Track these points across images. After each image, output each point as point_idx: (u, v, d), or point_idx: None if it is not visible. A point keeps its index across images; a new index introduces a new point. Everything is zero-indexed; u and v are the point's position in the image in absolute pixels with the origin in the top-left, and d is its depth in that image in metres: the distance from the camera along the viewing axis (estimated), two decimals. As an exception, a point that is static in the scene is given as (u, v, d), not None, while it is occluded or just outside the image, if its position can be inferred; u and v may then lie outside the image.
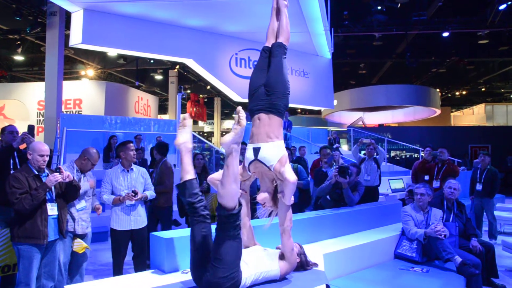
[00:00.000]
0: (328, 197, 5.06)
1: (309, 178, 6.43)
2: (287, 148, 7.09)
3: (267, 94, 2.89)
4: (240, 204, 2.46)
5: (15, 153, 4.36)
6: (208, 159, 12.06)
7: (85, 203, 4.22)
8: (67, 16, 11.59)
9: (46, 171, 3.72)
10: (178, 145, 2.71)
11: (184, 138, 2.72)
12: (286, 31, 3.22)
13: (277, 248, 3.06)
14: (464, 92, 28.96)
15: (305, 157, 9.27)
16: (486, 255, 4.69)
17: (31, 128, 10.54)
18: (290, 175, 2.67)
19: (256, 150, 2.76)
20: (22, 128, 5.29)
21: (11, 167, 4.27)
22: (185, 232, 3.32)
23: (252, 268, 2.61)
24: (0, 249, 3.82)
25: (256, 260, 2.70)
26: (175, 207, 7.25)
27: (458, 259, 4.04)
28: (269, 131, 2.79)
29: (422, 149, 11.23)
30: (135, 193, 4.37)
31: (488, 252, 4.76)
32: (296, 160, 8.26)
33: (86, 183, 4.23)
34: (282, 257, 2.87)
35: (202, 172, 6.53)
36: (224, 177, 2.39)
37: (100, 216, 4.55)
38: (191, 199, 2.54)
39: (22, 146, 4.39)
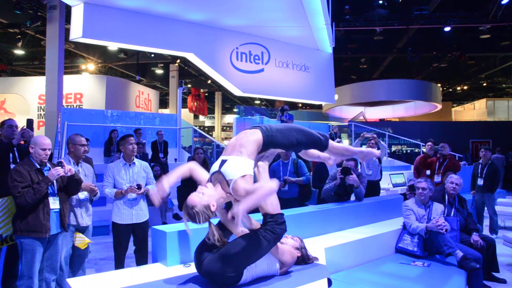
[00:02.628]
0: (332, 192, 5.08)
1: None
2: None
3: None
4: (282, 213, 2.63)
5: (15, 148, 4.37)
6: (209, 153, 12.07)
7: (86, 194, 4.21)
8: (67, 10, 11.57)
9: (48, 165, 3.72)
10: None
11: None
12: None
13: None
14: (465, 87, 28.92)
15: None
16: (487, 249, 4.70)
17: (30, 122, 10.50)
18: (242, 205, 2.31)
19: (223, 162, 2.55)
20: (22, 123, 5.29)
21: (11, 161, 4.28)
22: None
23: (254, 267, 2.62)
24: (2, 218, 3.77)
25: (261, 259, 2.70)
26: (176, 201, 7.30)
27: (459, 254, 4.04)
28: (244, 145, 2.58)
29: (423, 144, 11.23)
30: (139, 186, 4.37)
31: (489, 247, 4.77)
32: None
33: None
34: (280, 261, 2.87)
35: (203, 165, 6.55)
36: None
37: (102, 210, 4.54)
38: None
39: (22, 142, 4.40)
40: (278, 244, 2.80)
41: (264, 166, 2.81)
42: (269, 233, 2.51)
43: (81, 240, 4.05)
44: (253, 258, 2.51)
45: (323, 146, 2.92)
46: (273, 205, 2.59)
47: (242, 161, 2.51)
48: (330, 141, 2.96)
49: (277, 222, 2.55)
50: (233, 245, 2.50)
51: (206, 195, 2.40)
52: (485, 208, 7.60)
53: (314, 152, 3.19)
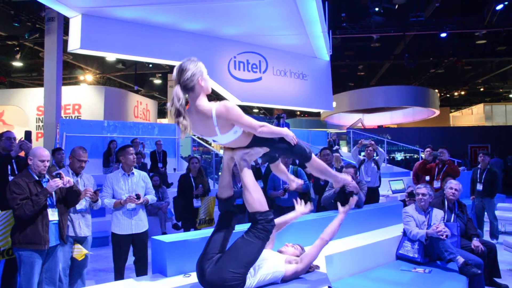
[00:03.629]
0: (332, 200, 5.07)
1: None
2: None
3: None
4: (270, 209, 2.63)
5: (13, 160, 4.37)
6: (208, 162, 12.06)
7: (85, 203, 4.20)
8: (65, 21, 11.60)
9: (47, 176, 3.71)
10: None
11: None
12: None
13: (279, 251, 3.07)
14: (462, 93, 29.01)
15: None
16: (488, 255, 4.68)
17: (28, 134, 10.52)
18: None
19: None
20: (21, 134, 5.29)
21: (9, 173, 4.27)
22: (186, 235, 3.31)
23: (256, 270, 2.62)
24: (1, 232, 3.74)
25: (263, 262, 2.70)
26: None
27: (460, 259, 4.03)
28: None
29: (422, 150, 11.24)
30: (138, 196, 4.36)
31: (490, 252, 4.75)
32: (299, 163, 8.21)
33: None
34: (289, 262, 2.87)
35: (198, 175, 6.53)
36: (244, 188, 2.63)
37: (101, 221, 4.51)
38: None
39: (21, 154, 4.40)
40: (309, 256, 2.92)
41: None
42: (262, 232, 2.53)
43: (79, 251, 4.03)
44: (252, 260, 2.52)
45: (307, 158, 2.92)
46: (261, 203, 2.59)
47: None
48: (314, 156, 2.98)
49: (267, 220, 2.56)
50: (231, 251, 2.50)
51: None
52: (485, 213, 7.58)
53: (284, 168, 3.28)
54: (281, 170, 3.25)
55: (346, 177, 3.30)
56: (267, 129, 2.60)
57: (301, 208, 3.36)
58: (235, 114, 2.49)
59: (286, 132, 2.70)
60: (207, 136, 2.65)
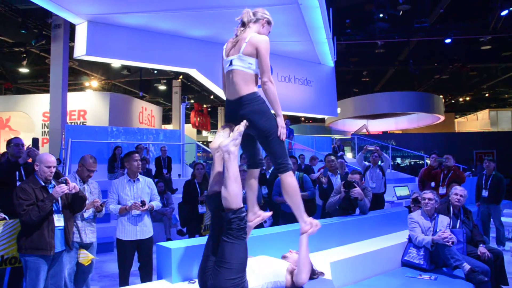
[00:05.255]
0: (336, 206, 5.06)
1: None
2: (291, 156, 7.10)
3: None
4: (244, 206, 2.53)
5: (21, 166, 4.41)
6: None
7: (92, 211, 4.23)
8: (71, 28, 11.73)
9: (53, 182, 3.73)
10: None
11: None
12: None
13: (283, 257, 3.06)
14: (467, 98, 28.96)
15: (314, 167, 9.21)
16: (494, 262, 4.63)
17: (35, 141, 10.60)
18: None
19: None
20: (27, 140, 5.33)
21: (17, 178, 4.30)
22: (191, 242, 3.31)
23: (260, 277, 2.61)
24: (5, 240, 3.74)
25: (264, 269, 2.69)
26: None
27: (467, 266, 4.00)
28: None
29: (427, 156, 11.18)
30: (143, 203, 4.36)
31: (496, 259, 4.71)
32: (305, 169, 8.22)
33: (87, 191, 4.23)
34: (290, 272, 2.85)
35: (203, 181, 6.53)
36: (225, 179, 2.52)
37: (106, 227, 4.52)
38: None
39: (29, 160, 4.44)
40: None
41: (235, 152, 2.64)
42: (239, 230, 2.46)
43: (85, 257, 4.04)
44: (244, 260, 2.48)
45: (285, 166, 2.79)
46: (237, 198, 2.48)
47: None
48: (292, 176, 2.84)
49: (240, 218, 2.46)
50: (220, 261, 2.46)
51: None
52: (491, 219, 7.53)
53: (255, 187, 3.03)
54: (251, 186, 3.00)
55: (309, 227, 2.94)
56: (273, 89, 2.75)
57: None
58: (264, 48, 2.82)
59: (281, 117, 2.81)
60: (231, 55, 2.93)
